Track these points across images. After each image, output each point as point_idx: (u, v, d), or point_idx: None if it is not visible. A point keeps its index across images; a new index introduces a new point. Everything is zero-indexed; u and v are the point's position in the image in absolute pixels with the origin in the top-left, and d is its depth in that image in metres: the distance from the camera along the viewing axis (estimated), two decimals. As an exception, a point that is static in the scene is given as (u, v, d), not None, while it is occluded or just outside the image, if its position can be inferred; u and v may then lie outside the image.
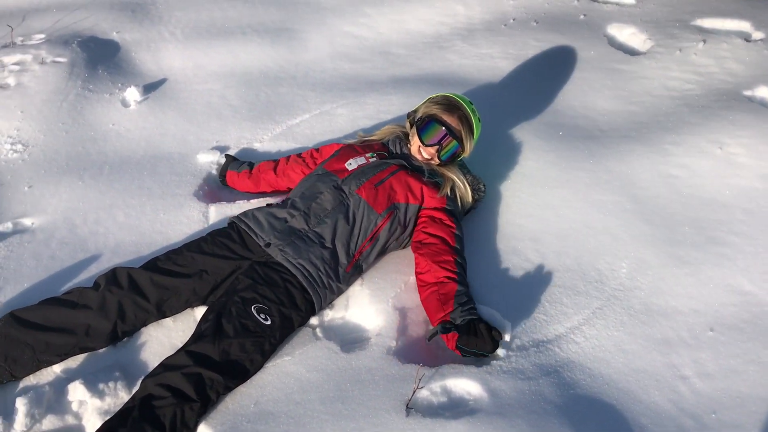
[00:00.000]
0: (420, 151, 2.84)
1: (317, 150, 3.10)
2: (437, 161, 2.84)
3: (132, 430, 2.08)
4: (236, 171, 3.22)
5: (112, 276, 2.49)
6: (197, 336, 2.31)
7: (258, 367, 2.34)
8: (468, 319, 2.37)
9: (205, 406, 2.19)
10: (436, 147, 2.79)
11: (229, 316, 2.34)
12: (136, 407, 2.13)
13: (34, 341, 2.35)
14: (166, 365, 2.24)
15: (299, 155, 3.13)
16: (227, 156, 3.36)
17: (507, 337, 2.43)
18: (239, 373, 2.28)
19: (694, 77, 3.63)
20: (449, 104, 2.82)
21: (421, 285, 2.56)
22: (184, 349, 2.27)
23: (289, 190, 3.10)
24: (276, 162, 3.16)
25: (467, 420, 2.09)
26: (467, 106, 2.81)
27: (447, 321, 2.39)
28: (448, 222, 2.70)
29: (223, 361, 2.25)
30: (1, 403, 2.33)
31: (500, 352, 2.37)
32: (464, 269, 2.59)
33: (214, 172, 3.35)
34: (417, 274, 2.61)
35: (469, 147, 2.83)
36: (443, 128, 2.77)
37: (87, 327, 2.40)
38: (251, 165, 3.21)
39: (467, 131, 2.79)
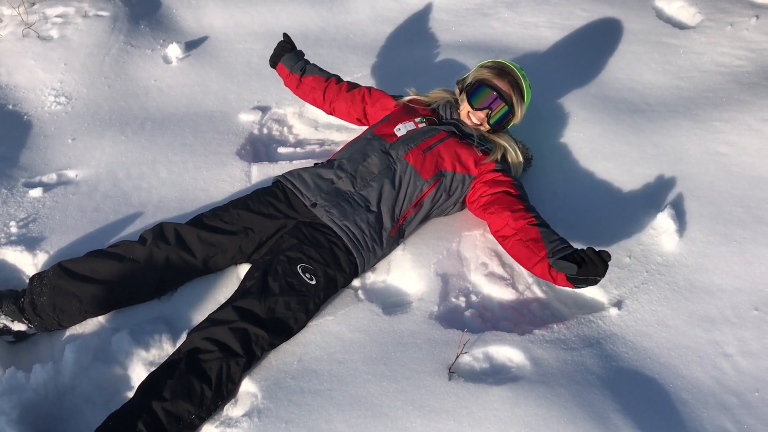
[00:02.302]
0: (469, 116, 2.81)
1: (369, 93, 3.03)
2: (487, 126, 2.81)
3: (178, 382, 2.11)
4: (288, 69, 3.14)
5: (159, 231, 2.51)
6: (243, 292, 2.33)
7: (302, 325, 2.36)
8: (569, 252, 2.28)
9: (250, 361, 2.23)
10: (486, 111, 2.76)
11: (275, 275, 2.35)
12: (182, 360, 2.17)
13: (82, 293, 2.38)
14: (212, 320, 2.27)
15: (350, 89, 3.05)
16: (286, 38, 3.20)
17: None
18: (283, 330, 2.30)
19: (745, 53, 3.54)
20: (500, 69, 2.78)
21: (503, 240, 2.50)
22: (231, 305, 2.30)
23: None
24: (327, 82, 3.09)
25: (510, 387, 2.10)
26: (518, 71, 2.77)
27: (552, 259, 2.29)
28: (503, 178, 2.66)
29: (268, 318, 2.27)
30: (51, 350, 2.40)
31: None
32: (536, 211, 2.52)
33: (255, 132, 3.35)
34: (494, 233, 2.55)
35: (520, 112, 2.80)
36: (494, 92, 2.74)
37: (134, 280, 2.43)
38: (303, 71, 3.12)
39: (518, 96, 2.76)
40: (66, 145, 3.25)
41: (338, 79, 3.11)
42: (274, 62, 3.18)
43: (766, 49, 3.54)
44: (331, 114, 3.16)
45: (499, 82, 2.75)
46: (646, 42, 3.75)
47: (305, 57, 3.20)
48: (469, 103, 2.78)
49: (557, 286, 2.58)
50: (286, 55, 3.15)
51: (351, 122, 3.16)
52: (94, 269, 2.43)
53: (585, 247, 2.28)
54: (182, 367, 2.16)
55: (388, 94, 3.04)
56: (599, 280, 2.24)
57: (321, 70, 3.15)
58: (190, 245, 2.49)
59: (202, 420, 2.14)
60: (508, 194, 2.59)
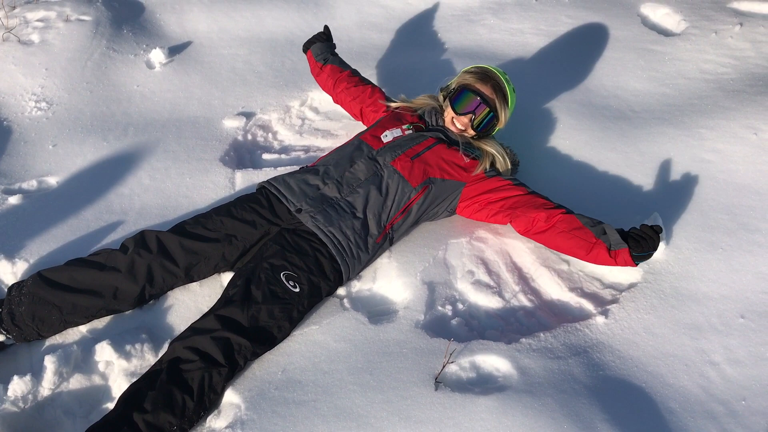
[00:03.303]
0: (454, 121, 2.80)
1: (371, 93, 3.11)
2: (472, 132, 2.80)
3: (160, 393, 2.08)
4: (314, 57, 3.31)
5: (141, 239, 2.47)
6: (226, 301, 2.30)
7: (285, 334, 2.33)
8: (617, 230, 2.39)
9: (233, 371, 2.19)
10: (470, 116, 2.75)
11: (258, 282, 2.32)
12: (164, 370, 2.13)
13: (62, 302, 2.34)
14: (194, 329, 2.24)
15: (358, 84, 3.16)
16: (326, 29, 3.38)
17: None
18: (267, 339, 2.27)
19: (729, 61, 3.56)
20: (483, 73, 2.78)
21: (539, 234, 2.55)
22: (213, 313, 2.26)
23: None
24: (341, 73, 3.22)
25: (497, 397, 2.08)
26: (501, 76, 2.77)
27: (616, 239, 2.38)
28: (502, 182, 2.68)
29: (251, 327, 2.24)
30: (30, 361, 2.35)
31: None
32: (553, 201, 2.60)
33: (239, 138, 3.32)
34: (525, 233, 2.60)
35: (504, 117, 2.79)
36: (477, 97, 2.73)
37: (115, 290, 2.39)
38: (326, 60, 3.27)
39: (501, 100, 2.75)
40: (47, 152, 3.21)
41: (352, 73, 3.22)
42: (305, 48, 3.35)
43: (749, 57, 3.56)
44: (337, 103, 3.28)
45: (482, 86, 2.74)
46: (632, 49, 3.76)
47: (335, 51, 3.36)
48: (453, 109, 2.77)
49: (543, 295, 2.57)
50: (317, 44, 3.31)
51: (352, 115, 3.24)
52: (75, 278, 2.38)
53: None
54: (164, 377, 2.12)
55: (385, 99, 3.06)
56: (653, 253, 2.38)
57: (342, 62, 3.29)
58: (172, 253, 2.46)
59: (184, 431, 2.10)
60: (522, 194, 2.62)
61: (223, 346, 2.18)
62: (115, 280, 2.39)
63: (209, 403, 2.15)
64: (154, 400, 2.06)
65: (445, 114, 2.84)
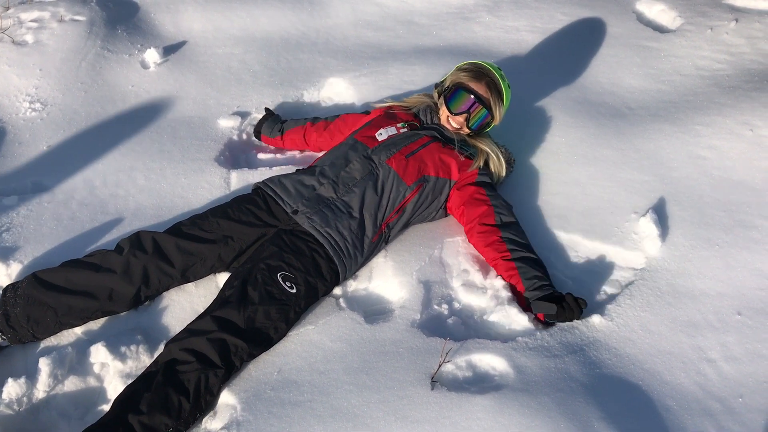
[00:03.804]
0: (449, 120, 2.79)
1: (344, 122, 3.08)
2: (467, 131, 2.79)
3: (155, 395, 2.07)
4: (269, 137, 3.27)
5: (137, 240, 2.46)
6: (222, 302, 2.29)
7: (282, 335, 2.32)
8: (547, 294, 2.38)
9: (229, 372, 2.19)
10: (465, 115, 2.74)
11: (254, 283, 2.31)
12: (159, 371, 2.13)
13: (57, 304, 2.33)
14: (190, 330, 2.23)
15: (327, 126, 3.12)
16: (266, 111, 3.36)
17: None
18: (263, 340, 2.26)
19: (725, 57, 3.55)
20: (477, 71, 2.76)
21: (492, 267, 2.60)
22: (209, 314, 2.25)
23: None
24: (303, 128, 3.17)
25: (493, 395, 2.08)
26: (496, 72, 2.76)
27: (535, 298, 2.39)
28: (481, 196, 2.66)
29: (247, 328, 2.23)
30: (24, 363, 2.34)
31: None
32: (514, 240, 2.55)
33: (234, 137, 3.31)
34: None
35: (498, 114, 2.78)
36: (471, 96, 2.72)
37: (110, 291, 2.38)
38: (281, 131, 3.22)
39: (496, 98, 2.74)
40: (41, 152, 3.19)
41: (313, 121, 3.18)
42: (257, 136, 3.31)
43: (745, 53, 3.56)
44: (320, 151, 3.21)
45: (476, 85, 2.73)
46: (627, 46, 3.76)
47: (281, 119, 3.32)
48: (448, 108, 2.76)
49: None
50: (264, 125, 3.28)
51: None
52: (70, 279, 2.37)
53: (563, 293, 2.40)
54: (159, 379, 2.11)
55: (361, 114, 3.05)
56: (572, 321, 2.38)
57: (296, 121, 3.23)
58: (168, 254, 2.45)
59: None
60: (484, 224, 2.60)
61: (219, 347, 2.17)
62: (110, 281, 2.39)
63: (205, 404, 2.14)
64: (149, 402, 2.05)
65: (441, 112, 2.83)
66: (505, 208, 2.65)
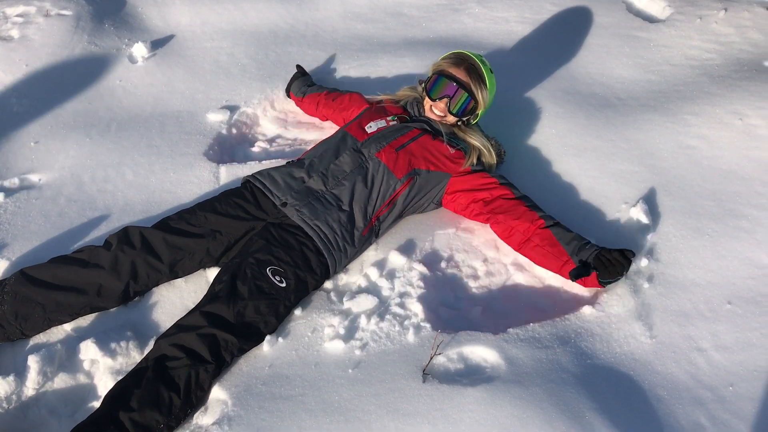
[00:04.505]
0: (432, 109, 2.79)
1: (349, 99, 3.16)
2: (451, 117, 2.78)
3: (146, 391, 2.06)
4: (295, 95, 3.44)
5: (125, 235, 2.45)
6: (211, 297, 2.28)
7: (272, 329, 2.31)
8: (593, 253, 2.38)
9: (220, 367, 2.18)
10: (445, 100, 2.73)
11: (243, 278, 2.30)
12: (149, 367, 2.12)
13: (45, 300, 2.31)
14: (180, 325, 2.22)
15: (336, 98, 3.21)
16: (299, 68, 3.52)
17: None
18: (253, 334, 2.26)
19: (714, 46, 3.55)
20: (457, 58, 2.78)
21: (519, 247, 2.55)
22: (199, 310, 2.24)
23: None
24: (319, 96, 3.29)
25: (485, 387, 2.07)
26: (476, 58, 2.76)
27: (574, 267, 2.38)
28: (487, 179, 2.66)
29: (237, 323, 2.22)
30: (13, 361, 2.32)
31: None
32: (538, 207, 2.57)
33: (224, 132, 3.29)
34: (505, 240, 2.60)
35: (482, 98, 2.76)
36: (450, 81, 2.72)
37: (99, 287, 2.37)
38: (304, 93, 3.38)
39: (477, 81, 2.73)
40: (28, 149, 3.17)
41: (330, 91, 3.27)
42: (287, 90, 3.49)
43: (734, 42, 3.56)
44: (325, 120, 3.34)
45: (455, 70, 2.73)
46: (617, 36, 3.75)
47: (309, 81, 3.46)
48: (428, 96, 2.76)
49: (530, 284, 2.56)
50: (295, 82, 3.44)
51: (338, 126, 3.22)
52: (58, 275, 2.36)
53: (609, 249, 2.39)
54: (150, 375, 2.10)
55: (365, 99, 3.07)
56: (621, 278, 2.39)
57: (320, 87, 3.35)
58: (156, 249, 2.43)
59: (171, 429, 2.08)
60: (505, 198, 2.59)
61: (210, 342, 2.16)
62: (98, 277, 2.37)
63: (196, 400, 2.13)
64: (140, 399, 2.04)
65: (425, 103, 2.83)
66: (511, 183, 2.69)
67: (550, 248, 2.45)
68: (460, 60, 2.76)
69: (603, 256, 2.36)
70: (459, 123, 2.80)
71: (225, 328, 2.19)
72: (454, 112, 2.75)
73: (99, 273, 2.37)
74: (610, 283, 2.39)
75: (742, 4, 3.79)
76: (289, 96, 3.48)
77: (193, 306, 2.36)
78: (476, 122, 2.86)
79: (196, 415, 2.15)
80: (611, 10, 3.93)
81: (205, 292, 2.38)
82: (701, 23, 3.69)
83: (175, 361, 2.12)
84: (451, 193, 2.70)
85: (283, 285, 2.33)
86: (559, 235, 2.45)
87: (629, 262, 2.37)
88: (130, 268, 2.39)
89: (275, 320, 2.31)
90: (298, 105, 3.45)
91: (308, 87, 3.39)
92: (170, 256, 2.44)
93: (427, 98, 2.79)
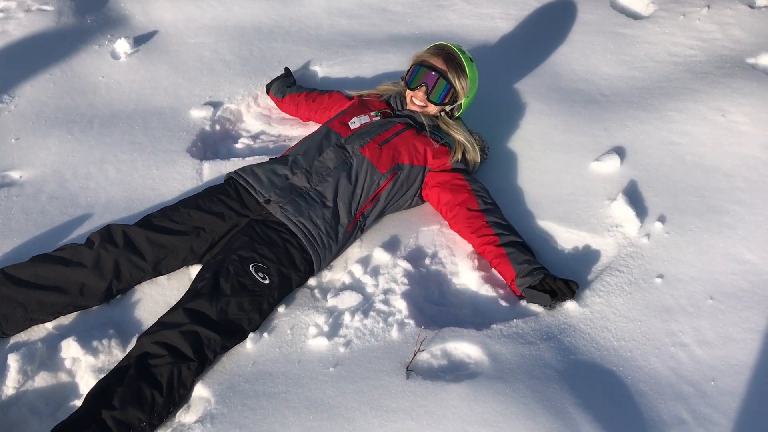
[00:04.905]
0: (413, 100, 2.80)
1: (330, 97, 3.14)
2: (432, 107, 2.79)
3: (129, 389, 2.04)
4: (275, 95, 3.42)
5: (107, 233, 2.43)
6: (194, 294, 2.27)
7: (255, 326, 2.30)
8: (538, 279, 2.38)
9: (203, 365, 2.17)
10: (423, 88, 2.74)
11: (226, 275, 2.29)
12: (132, 365, 2.10)
13: (26, 299, 2.29)
14: (162, 323, 2.20)
15: (316, 98, 3.20)
16: (286, 70, 3.51)
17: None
18: (236, 331, 2.25)
19: (697, 43, 3.57)
20: (435, 48, 2.81)
21: (479, 255, 2.59)
22: (181, 307, 2.23)
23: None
24: (299, 97, 3.28)
25: (468, 384, 2.07)
26: (454, 47, 2.77)
27: (520, 294, 2.43)
28: (460, 182, 2.66)
29: (220, 320, 2.21)
30: (-7, 360, 2.29)
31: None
32: (500, 223, 2.56)
33: (207, 128, 3.27)
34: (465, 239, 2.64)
35: (462, 86, 2.76)
36: (428, 69, 2.74)
37: (81, 285, 2.35)
38: (284, 93, 3.37)
39: (454, 68, 2.74)
40: (9, 145, 3.14)
41: (310, 91, 3.25)
42: (267, 89, 3.48)
43: (717, 39, 3.58)
44: (307, 121, 3.31)
45: (434, 59, 2.76)
46: (601, 32, 3.76)
47: (291, 81, 3.45)
48: (408, 86, 2.77)
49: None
50: (276, 83, 3.43)
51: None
52: (39, 274, 2.33)
53: (554, 277, 2.40)
54: (132, 373, 2.08)
55: (345, 96, 3.06)
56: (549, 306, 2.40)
57: (300, 88, 3.33)
58: (139, 247, 2.41)
59: (154, 427, 2.07)
60: (467, 209, 2.59)
61: (193, 340, 2.15)
62: (81, 275, 2.35)
63: (179, 398, 2.12)
64: (122, 397, 2.03)
65: (406, 95, 2.84)
66: (485, 191, 2.67)
67: (500, 265, 2.48)
68: (439, 50, 2.79)
69: (547, 283, 2.38)
70: (441, 114, 2.80)
71: (208, 326, 2.18)
72: (434, 99, 2.75)
73: (81, 272, 2.35)
74: (536, 302, 2.40)
75: (725, 1, 3.81)
76: (268, 94, 3.48)
77: (175, 303, 2.34)
78: (459, 116, 2.86)
79: (179, 413, 2.13)
80: (595, 7, 3.94)
81: (187, 289, 2.36)
82: (684, 20, 3.71)
83: (158, 359, 2.11)
84: (430, 187, 2.71)
85: (267, 282, 2.32)
86: (512, 256, 2.46)
87: (572, 293, 2.36)
88: (113, 266, 2.37)
89: (258, 317, 2.30)
90: (278, 105, 3.44)
91: (288, 87, 3.37)
92: (153, 254, 2.42)
93: (407, 89, 2.79)
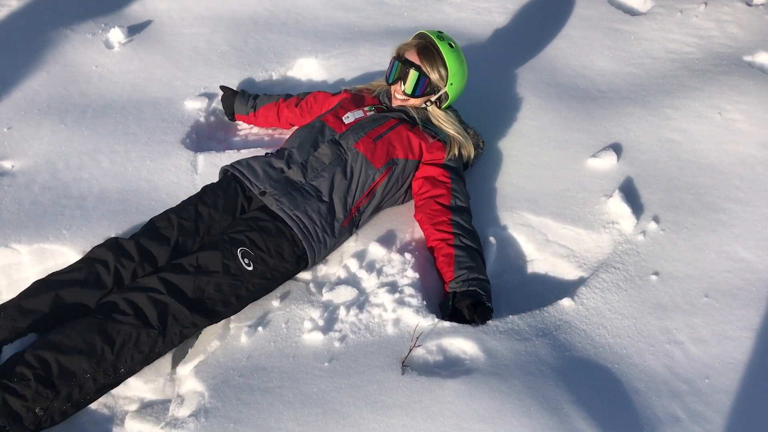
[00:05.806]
0: (395, 95, 2.79)
1: (315, 99, 3.05)
2: (414, 101, 2.77)
3: (81, 336, 2.06)
4: (243, 114, 3.22)
5: (118, 248, 2.36)
6: (176, 266, 2.27)
7: (233, 311, 2.31)
8: (464, 292, 2.35)
9: (165, 336, 2.17)
10: (400, 82, 2.73)
11: (213, 254, 2.30)
12: (95, 311, 2.14)
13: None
14: (138, 284, 2.22)
15: (298, 102, 3.09)
16: (225, 89, 3.26)
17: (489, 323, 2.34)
18: (208, 311, 2.25)
19: (694, 40, 3.57)
20: (412, 39, 2.80)
21: (429, 247, 2.56)
22: (160, 275, 2.23)
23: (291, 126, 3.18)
24: (276, 105, 3.14)
25: (463, 379, 2.07)
26: (432, 35, 2.73)
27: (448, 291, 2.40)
28: (444, 179, 2.64)
29: (195, 297, 2.22)
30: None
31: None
32: (462, 225, 2.52)
33: (201, 119, 3.25)
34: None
35: (439, 75, 2.72)
36: (402, 64, 2.72)
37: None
38: (254, 107, 3.18)
39: (429, 59, 2.70)
40: (1, 135, 3.10)
41: (285, 97, 3.15)
42: (231, 117, 3.26)
43: (714, 36, 3.58)
44: (291, 128, 3.19)
45: (408, 52, 2.74)
46: (599, 28, 3.76)
47: (249, 94, 3.24)
48: (387, 82, 2.78)
49: (511, 276, 2.56)
50: (236, 103, 3.21)
51: None
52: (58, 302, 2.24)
53: (474, 300, 2.33)
54: (92, 320, 2.11)
55: (332, 94, 3.02)
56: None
57: (269, 97, 3.19)
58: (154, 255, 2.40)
59: (97, 383, 2.07)
60: (437, 203, 2.57)
61: (161, 309, 2.16)
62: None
63: (131, 361, 2.12)
64: (74, 341, 2.04)
65: (391, 91, 2.83)
66: (463, 195, 2.64)
67: (442, 265, 2.46)
68: (415, 41, 2.77)
69: (461, 303, 2.33)
70: (427, 105, 2.78)
71: (180, 299, 2.19)
72: (409, 93, 2.74)
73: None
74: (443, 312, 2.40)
75: (722, -2, 3.82)
76: (233, 119, 3.28)
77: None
78: (447, 106, 2.83)
79: (172, 407, 2.13)
80: (593, 3, 3.94)
81: (169, 254, 2.38)
82: (682, 17, 3.71)
83: (122, 316, 2.12)
84: (416, 178, 2.70)
85: (250, 268, 2.31)
86: (458, 259, 2.43)
87: (472, 322, 2.28)
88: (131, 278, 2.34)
89: (236, 301, 2.30)
90: (249, 122, 3.27)
91: (254, 100, 3.20)
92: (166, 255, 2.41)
93: (388, 85, 2.80)
